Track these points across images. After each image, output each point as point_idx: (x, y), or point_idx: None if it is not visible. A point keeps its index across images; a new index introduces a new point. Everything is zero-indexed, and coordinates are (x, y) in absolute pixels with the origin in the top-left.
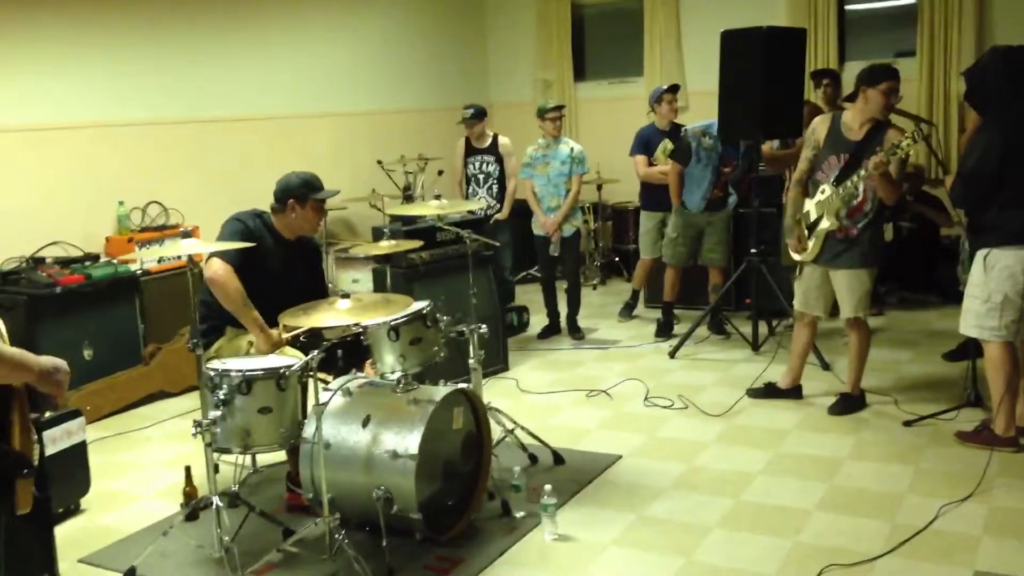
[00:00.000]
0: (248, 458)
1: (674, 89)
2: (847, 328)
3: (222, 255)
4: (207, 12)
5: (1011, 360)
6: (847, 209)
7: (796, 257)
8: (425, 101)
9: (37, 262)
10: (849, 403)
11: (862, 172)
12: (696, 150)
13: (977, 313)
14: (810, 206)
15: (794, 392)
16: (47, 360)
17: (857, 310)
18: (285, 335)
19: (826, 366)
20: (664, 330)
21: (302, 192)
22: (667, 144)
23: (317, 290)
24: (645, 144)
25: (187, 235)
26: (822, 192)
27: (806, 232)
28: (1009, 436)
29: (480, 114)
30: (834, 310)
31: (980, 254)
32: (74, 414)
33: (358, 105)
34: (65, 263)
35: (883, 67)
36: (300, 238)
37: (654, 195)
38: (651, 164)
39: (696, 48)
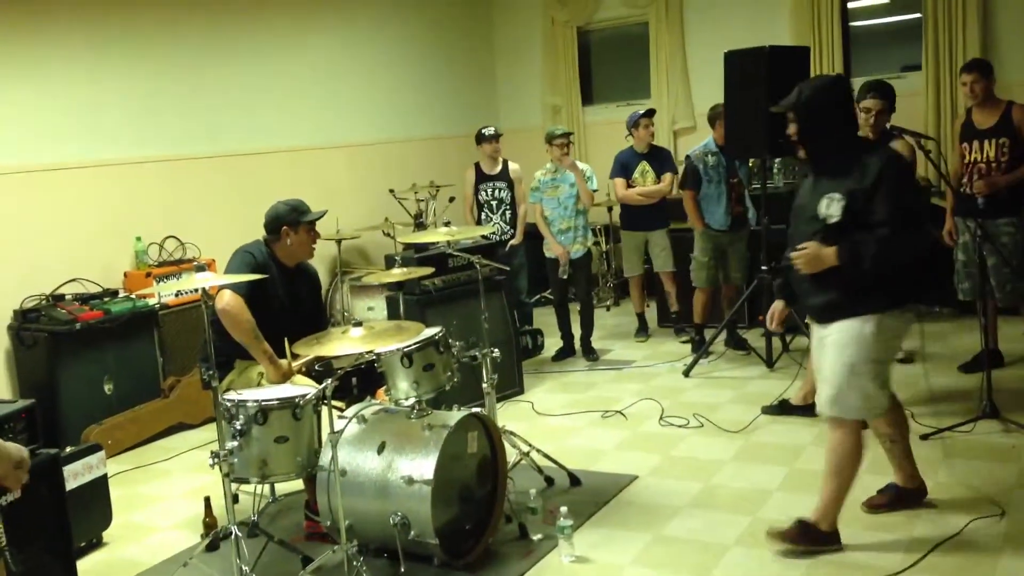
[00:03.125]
0: (266, 487)
1: (650, 114)
2: None
3: (233, 287)
4: (221, 49)
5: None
6: None
7: None
8: (436, 130)
9: (57, 299)
10: None
11: None
12: (704, 171)
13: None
14: None
15: (808, 409)
16: (17, 450)
17: None
18: (295, 364)
19: None
20: (702, 345)
21: (292, 218)
22: (645, 166)
23: (319, 318)
24: (624, 167)
25: (201, 268)
26: None
27: None
28: (835, 530)
29: (500, 134)
30: None
31: (869, 320)
32: (95, 448)
33: (371, 136)
34: (84, 299)
35: (867, 85)
36: (299, 265)
37: (634, 216)
38: (630, 186)
39: (702, 68)
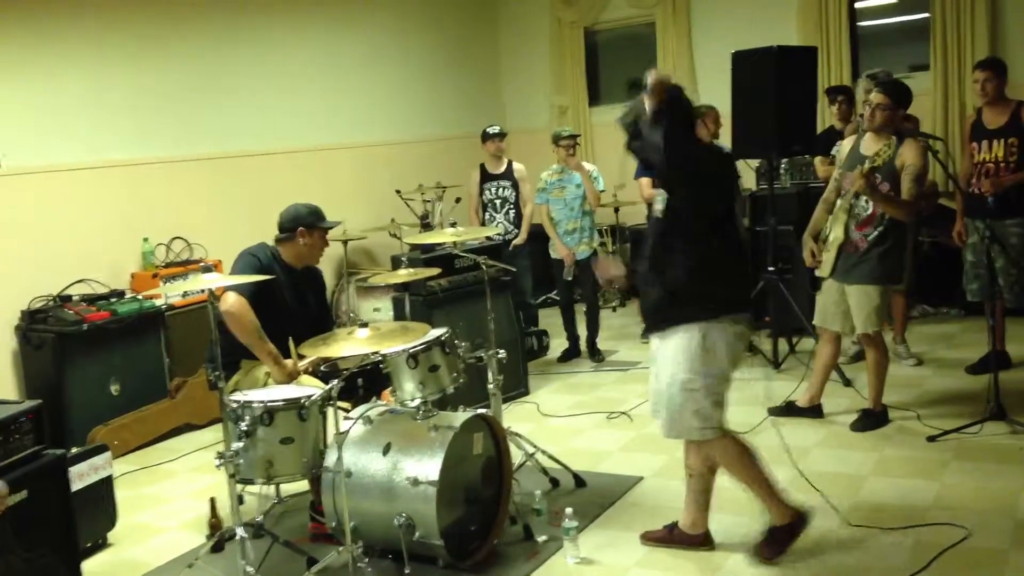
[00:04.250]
0: (272, 488)
1: None
2: (863, 344)
3: (237, 289)
4: (228, 50)
5: (742, 443)
6: (855, 222)
7: (816, 272)
8: (442, 130)
9: (64, 300)
10: (871, 419)
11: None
12: None
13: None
14: (828, 220)
15: (814, 411)
16: (2, 485)
17: (867, 326)
18: (301, 365)
19: (847, 382)
20: None
21: (311, 220)
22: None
23: (324, 319)
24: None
25: (208, 269)
26: (837, 206)
27: (821, 246)
28: (791, 521)
29: (504, 133)
30: None
31: (694, 330)
32: (100, 449)
33: (377, 136)
34: (91, 300)
35: (879, 80)
36: (305, 268)
37: None
38: (656, 186)
39: (709, 69)
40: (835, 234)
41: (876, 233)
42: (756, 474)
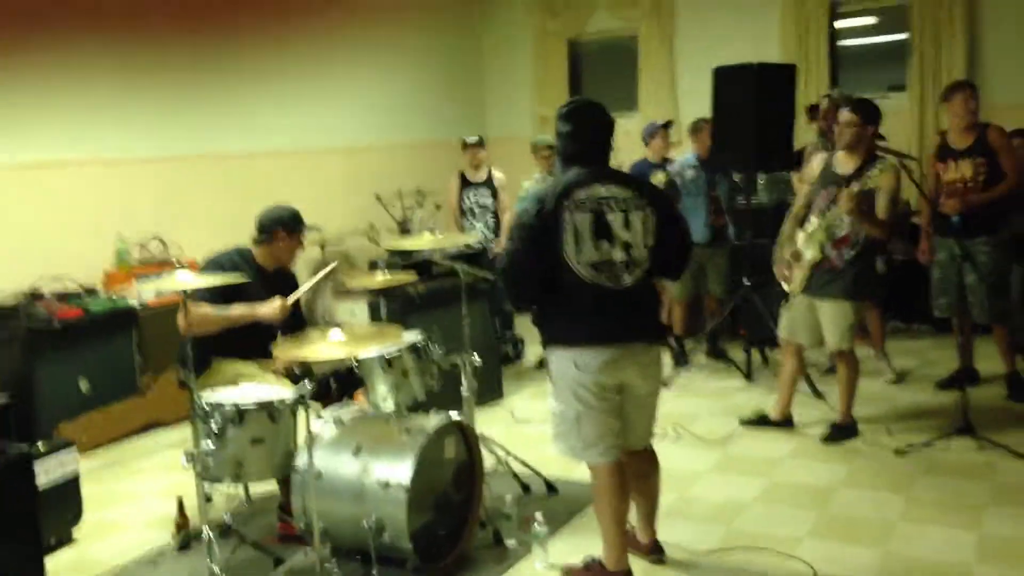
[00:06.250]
0: (241, 488)
1: (668, 125)
2: (835, 359)
3: (197, 297)
4: (209, 50)
5: (618, 483)
6: (831, 241)
7: (784, 287)
8: (424, 136)
9: (36, 296)
10: (841, 432)
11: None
12: (682, 184)
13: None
14: (800, 238)
15: (785, 423)
16: None
17: (841, 343)
18: (289, 302)
19: (819, 394)
20: (681, 359)
21: (292, 225)
22: (659, 176)
23: (297, 320)
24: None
25: (182, 268)
26: (810, 224)
27: (793, 263)
28: (621, 570)
29: (483, 142)
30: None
31: (549, 353)
32: (67, 445)
33: (359, 140)
34: (63, 297)
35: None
36: (278, 270)
37: None
38: None
39: (690, 83)
40: (812, 253)
41: (853, 252)
42: (608, 517)
